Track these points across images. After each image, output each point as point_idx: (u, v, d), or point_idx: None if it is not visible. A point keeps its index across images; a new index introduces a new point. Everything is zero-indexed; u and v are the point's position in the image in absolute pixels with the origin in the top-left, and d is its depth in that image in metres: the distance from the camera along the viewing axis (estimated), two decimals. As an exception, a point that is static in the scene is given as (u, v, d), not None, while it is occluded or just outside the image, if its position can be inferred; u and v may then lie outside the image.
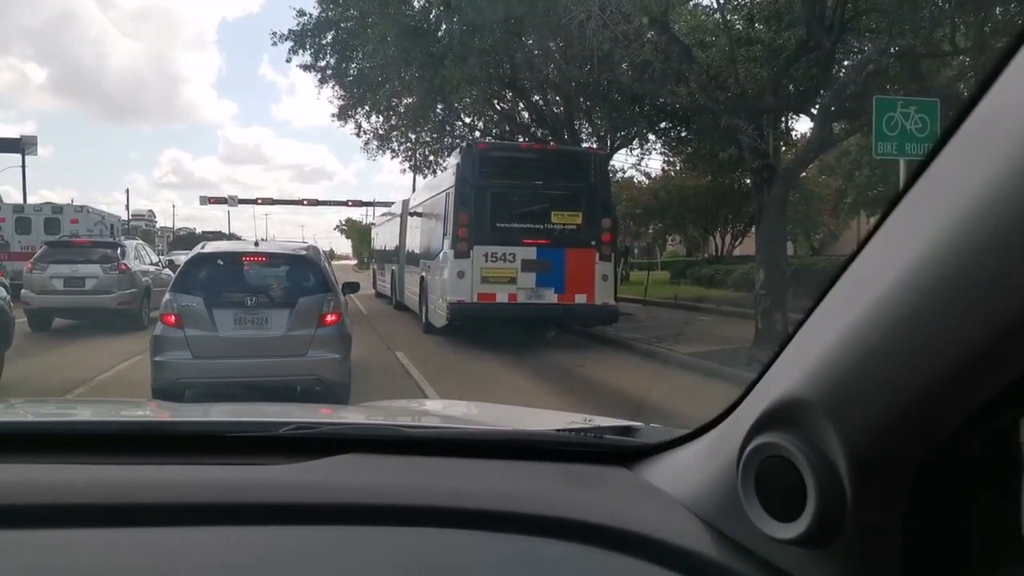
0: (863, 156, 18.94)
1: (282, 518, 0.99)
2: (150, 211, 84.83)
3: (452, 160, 12.76)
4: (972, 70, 10.26)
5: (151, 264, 14.79)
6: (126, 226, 33.26)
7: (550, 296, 10.95)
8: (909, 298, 0.64)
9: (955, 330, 0.61)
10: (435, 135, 20.65)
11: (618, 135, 18.27)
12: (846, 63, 11.36)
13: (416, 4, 14.42)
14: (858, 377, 0.69)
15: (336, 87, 18.49)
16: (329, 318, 6.35)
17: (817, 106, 10.85)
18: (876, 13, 9.47)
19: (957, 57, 10.93)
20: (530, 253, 10.90)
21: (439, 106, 17.56)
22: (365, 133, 21.04)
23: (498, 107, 18.81)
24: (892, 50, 9.53)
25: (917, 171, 0.67)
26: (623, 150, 20.23)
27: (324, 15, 16.36)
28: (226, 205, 50.27)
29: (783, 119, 13.98)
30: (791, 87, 11.48)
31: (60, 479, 1.04)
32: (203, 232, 59.96)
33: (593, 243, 11.08)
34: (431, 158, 21.46)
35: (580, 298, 11.01)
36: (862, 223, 26.24)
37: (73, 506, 0.98)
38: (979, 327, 0.59)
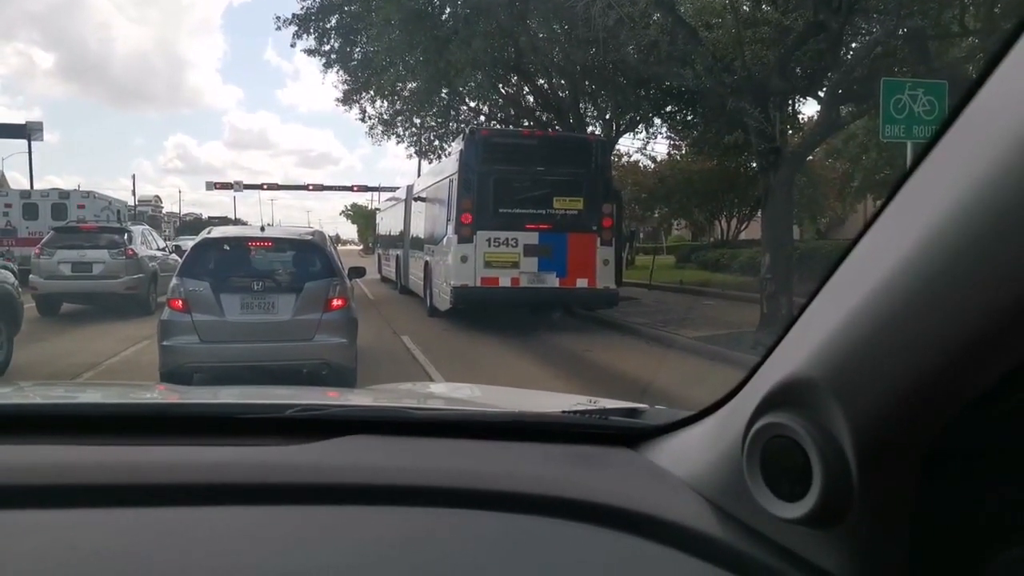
0: (870, 139, 18.78)
1: (288, 498, 1.00)
2: (156, 196, 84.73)
3: (455, 146, 12.77)
4: (981, 51, 10.13)
5: (158, 249, 14.83)
6: (133, 211, 33.28)
7: (552, 280, 11.03)
8: (915, 278, 0.64)
9: (961, 311, 0.61)
10: (440, 119, 20.56)
11: (623, 118, 18.16)
12: (854, 45, 11.25)
13: (420, -13, 14.31)
14: (864, 357, 0.69)
15: (341, 72, 18.43)
16: (335, 303, 6.38)
17: (824, 88, 10.76)
18: (884, -7, 9.35)
19: (966, 38, 10.80)
20: (532, 238, 10.98)
21: (444, 90, 17.44)
22: (370, 118, 20.99)
23: (503, 91, 18.70)
24: (900, 31, 9.42)
25: (922, 153, 0.67)
26: (628, 134, 20.13)
27: (328, -1, 16.27)
28: (232, 190, 50.35)
29: (790, 102, 13.85)
30: (798, 69, 11.36)
31: (70, 460, 1.06)
32: (209, 217, 60.05)
33: (594, 228, 11.15)
34: (436, 143, 21.39)
35: (581, 282, 11.09)
36: (869, 207, 26.06)
37: (83, 486, 0.99)
38: (985, 308, 0.60)
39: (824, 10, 8.91)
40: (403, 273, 17.53)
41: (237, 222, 46.63)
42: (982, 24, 9.87)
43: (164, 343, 6.12)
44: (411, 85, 17.56)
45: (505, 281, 10.95)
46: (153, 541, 0.91)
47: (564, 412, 1.38)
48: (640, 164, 29.10)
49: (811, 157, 17.77)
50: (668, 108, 17.92)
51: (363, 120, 21.00)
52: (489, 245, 10.91)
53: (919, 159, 0.67)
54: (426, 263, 13.38)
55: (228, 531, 0.94)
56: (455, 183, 11.33)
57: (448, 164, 12.98)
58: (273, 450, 1.12)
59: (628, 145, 36.18)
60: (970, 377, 0.63)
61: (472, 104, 19.81)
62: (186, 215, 76.76)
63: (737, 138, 16.38)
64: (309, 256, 6.73)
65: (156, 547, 0.90)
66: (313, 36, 16.98)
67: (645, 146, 31.83)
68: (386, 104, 20.41)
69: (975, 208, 0.59)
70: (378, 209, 31.06)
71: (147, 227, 16.35)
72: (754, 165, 17.07)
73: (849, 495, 0.71)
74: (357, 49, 17.22)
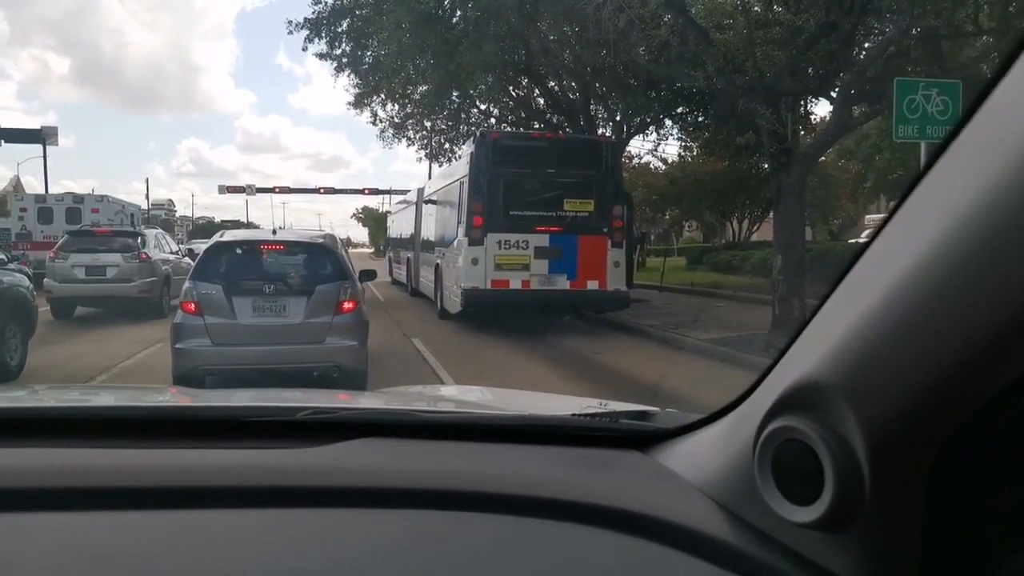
0: (883, 140, 18.70)
1: (299, 501, 1.00)
2: (169, 200, 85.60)
3: (466, 149, 12.80)
4: (995, 51, 10.05)
5: (171, 253, 14.95)
6: (146, 215, 33.61)
7: (562, 282, 11.02)
8: (928, 281, 0.64)
9: (975, 314, 0.61)
10: (450, 122, 20.62)
11: (634, 120, 18.13)
12: (866, 45, 11.19)
13: (430, -10, 14.34)
14: (876, 360, 0.69)
15: (352, 75, 18.50)
16: (346, 305, 6.40)
17: (837, 89, 10.70)
18: (897, -7, 9.29)
19: (980, 37, 10.71)
20: (543, 240, 10.98)
21: (454, 93, 17.51)
22: (381, 121, 21.12)
23: (513, 93, 18.74)
24: (913, 31, 9.37)
25: (936, 154, 0.66)
26: (639, 135, 20.10)
27: (339, 3, 16.34)
28: (244, 194, 50.67)
29: (802, 102, 13.79)
30: (810, 70, 11.31)
31: (84, 463, 1.06)
32: (222, 221, 60.61)
33: (605, 230, 11.14)
34: (447, 146, 21.45)
35: (592, 284, 11.08)
36: (882, 208, 25.95)
37: (96, 489, 0.99)
38: (999, 310, 0.59)
39: (836, 10, 8.87)
40: (414, 276, 17.57)
41: (249, 225, 46.90)
42: (996, 23, 9.79)
43: (177, 346, 6.16)
44: (422, 88, 17.62)
45: (516, 283, 10.96)
46: (164, 544, 0.91)
47: (574, 415, 1.38)
48: (651, 166, 29.11)
49: (823, 158, 17.68)
50: (679, 109, 17.88)
51: (374, 123, 21.16)
52: (500, 247, 10.92)
53: (932, 161, 0.66)
54: (437, 266, 13.41)
55: (239, 534, 0.95)
56: (466, 186, 11.36)
57: (459, 167, 13.01)
58: (284, 453, 1.12)
59: (639, 147, 36.21)
60: (983, 380, 0.63)
61: (482, 107, 19.85)
62: (199, 218, 77.44)
63: (749, 139, 16.35)
64: (320, 259, 6.76)
65: (167, 550, 0.90)
66: (325, 40, 17.08)
67: (656, 148, 31.78)
68: (397, 107, 20.54)
69: (989, 210, 0.58)
70: (389, 212, 31.19)
71: (160, 231, 16.52)
72: (766, 166, 17.01)
73: (861, 499, 0.71)
74: (368, 53, 17.29)
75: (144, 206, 40.50)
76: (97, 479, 1.01)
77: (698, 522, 0.91)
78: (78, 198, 20.62)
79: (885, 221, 0.71)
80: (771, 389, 0.83)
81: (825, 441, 0.73)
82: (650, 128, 19.63)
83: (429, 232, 15.24)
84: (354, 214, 77.56)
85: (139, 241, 13.27)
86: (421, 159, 26.46)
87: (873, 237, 0.73)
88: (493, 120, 19.98)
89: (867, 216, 30.81)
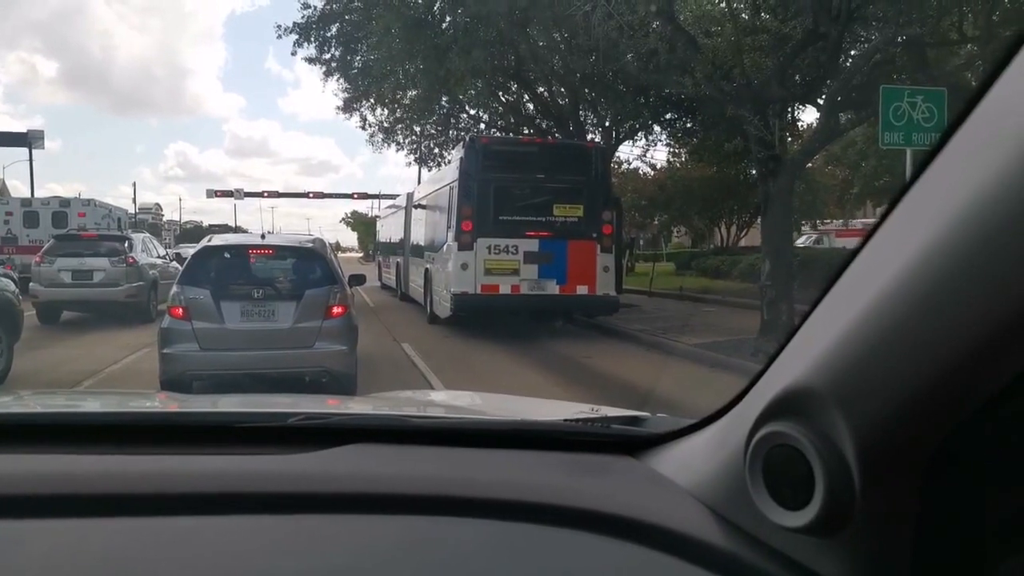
0: (870, 146, 18.86)
1: (290, 507, 1.00)
2: (157, 204, 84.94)
3: (455, 154, 12.80)
4: (980, 59, 10.17)
5: (158, 257, 14.85)
6: (133, 219, 33.35)
7: (552, 287, 11.03)
8: (918, 286, 0.64)
9: (965, 318, 0.61)
10: (440, 127, 20.64)
11: (623, 126, 18.21)
12: (853, 52, 11.29)
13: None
14: (867, 365, 0.69)
15: (341, 80, 18.49)
16: (336, 310, 6.38)
17: (823, 96, 10.78)
18: (883, 1, 9.39)
19: (965, 46, 10.83)
20: (532, 245, 10.98)
21: (444, 98, 17.52)
22: (370, 126, 21.14)
23: (503, 99, 18.77)
24: (899, 39, 9.46)
25: (925, 161, 0.67)
26: (628, 141, 20.20)
27: (328, 7, 16.32)
28: (232, 198, 50.35)
29: (789, 109, 13.89)
30: (797, 77, 11.40)
31: (71, 470, 1.05)
32: (209, 225, 60.38)
33: (594, 235, 11.15)
34: (436, 150, 21.50)
35: (581, 289, 11.09)
36: (868, 214, 26.19)
37: (84, 496, 0.98)
38: (989, 315, 0.59)
39: (823, 18, 8.94)
40: (403, 280, 17.54)
41: (237, 230, 46.80)
42: (981, 32, 9.89)
43: (164, 351, 6.12)
44: (411, 93, 17.62)
45: (505, 288, 10.95)
46: (154, 551, 0.90)
47: (565, 420, 1.37)
48: (640, 171, 29.22)
49: (811, 164, 17.80)
50: (668, 116, 17.97)
51: (363, 128, 21.18)
52: (489, 252, 10.91)
53: (922, 167, 0.67)
54: (426, 270, 13.40)
55: (229, 540, 0.94)
56: (455, 190, 11.36)
57: (448, 171, 13.01)
58: (274, 459, 1.11)
59: (628, 152, 36.36)
60: (974, 385, 0.63)
61: (472, 112, 19.90)
62: (186, 223, 77.01)
63: (736, 145, 16.45)
64: (309, 263, 6.73)
65: (157, 557, 0.89)
66: (314, 45, 17.05)
67: (645, 153, 32.03)
68: (386, 112, 20.55)
69: (979, 215, 0.59)
70: (378, 216, 31.13)
71: (147, 235, 16.40)
72: (753, 172, 17.11)
73: (852, 503, 0.71)
74: (357, 57, 17.27)
75: (131, 210, 40.22)
76: (84, 486, 1.00)
77: (689, 527, 0.91)
78: (64, 202, 20.44)
79: (875, 228, 0.72)
80: (761, 394, 0.83)
81: (815, 446, 0.73)
82: (639, 134, 19.75)
83: (419, 237, 15.22)
84: (343, 219, 77.38)
85: (126, 245, 13.18)
86: (410, 164, 26.53)
87: (863, 244, 0.73)
88: (482, 125, 20.02)
89: (803, 224, 31.04)
